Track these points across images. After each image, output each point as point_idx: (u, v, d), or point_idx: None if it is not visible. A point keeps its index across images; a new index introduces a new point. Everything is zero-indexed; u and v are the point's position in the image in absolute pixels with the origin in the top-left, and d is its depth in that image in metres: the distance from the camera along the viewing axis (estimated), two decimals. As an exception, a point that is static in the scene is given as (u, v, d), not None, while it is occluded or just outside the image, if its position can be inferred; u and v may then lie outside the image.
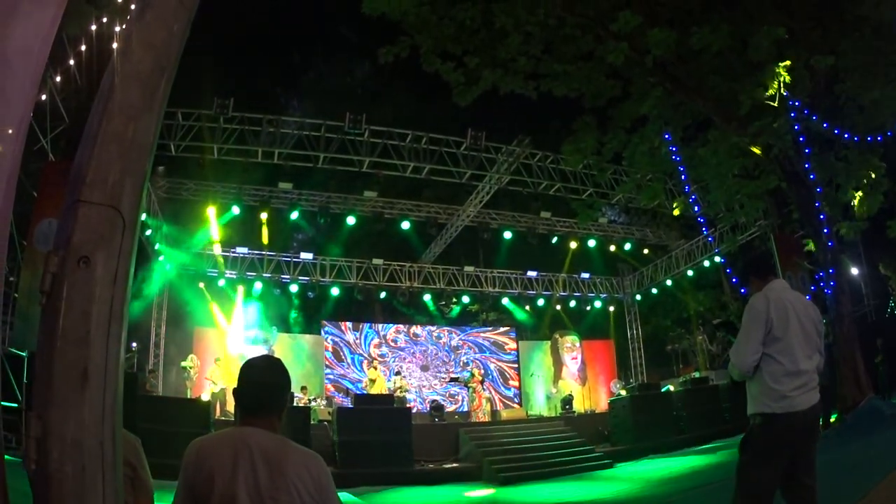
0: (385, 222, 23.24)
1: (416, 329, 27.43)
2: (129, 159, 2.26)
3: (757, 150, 16.51)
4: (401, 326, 27.35)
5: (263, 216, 21.39)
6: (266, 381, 2.86)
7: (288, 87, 38.24)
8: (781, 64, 14.81)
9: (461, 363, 26.94)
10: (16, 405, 9.72)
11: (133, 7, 2.55)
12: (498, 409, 24.55)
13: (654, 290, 28.48)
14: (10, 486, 2.17)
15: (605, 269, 29.31)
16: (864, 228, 17.16)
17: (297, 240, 26.06)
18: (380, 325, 27.03)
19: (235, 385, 2.85)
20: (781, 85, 15.00)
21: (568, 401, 23.98)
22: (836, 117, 16.27)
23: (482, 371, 25.13)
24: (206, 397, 18.80)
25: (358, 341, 25.96)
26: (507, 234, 24.63)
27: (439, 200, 24.74)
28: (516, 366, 27.89)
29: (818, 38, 15.68)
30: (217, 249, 22.83)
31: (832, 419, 14.10)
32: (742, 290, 20.28)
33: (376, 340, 26.32)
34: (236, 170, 19.74)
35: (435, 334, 27.47)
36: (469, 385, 22.73)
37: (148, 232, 19.11)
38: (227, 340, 23.31)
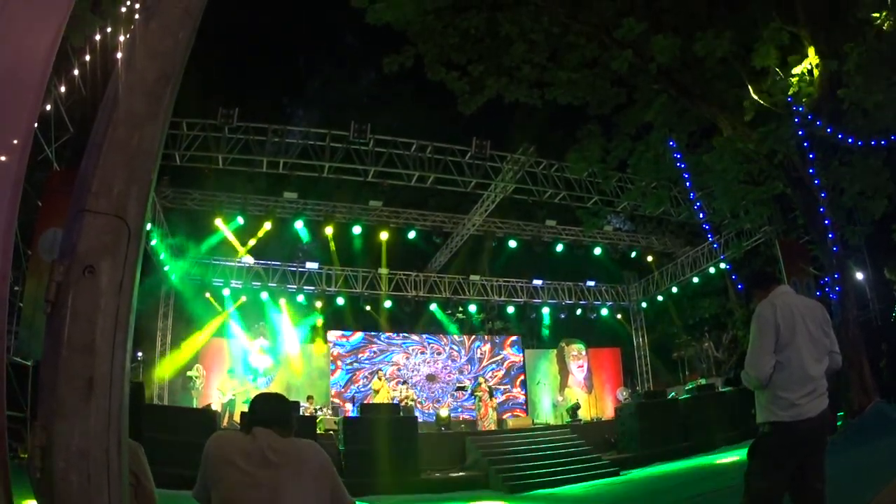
0: (391, 231, 23.27)
1: (423, 338, 27.38)
2: (134, 168, 2.26)
3: (761, 156, 16.51)
4: (407, 336, 27.30)
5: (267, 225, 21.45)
6: (281, 400, 3.27)
7: (293, 97, 38.39)
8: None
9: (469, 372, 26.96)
10: (21, 415, 9.73)
11: (138, 16, 2.56)
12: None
13: (660, 298, 28.47)
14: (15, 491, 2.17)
15: (611, 276, 29.32)
16: (868, 233, 17.11)
17: (302, 249, 26.08)
18: (385, 335, 26.98)
19: (248, 406, 3.23)
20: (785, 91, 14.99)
21: (574, 409, 23.95)
22: (840, 122, 16.25)
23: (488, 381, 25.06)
24: (215, 407, 18.83)
25: (362, 351, 25.96)
26: (513, 243, 24.64)
27: (445, 209, 24.76)
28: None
29: (822, 42, 15.66)
30: (249, 259, 22.97)
31: (838, 423, 14.05)
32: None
33: (382, 350, 26.29)
34: (241, 179, 19.75)
35: (441, 343, 27.43)
36: (476, 394, 22.69)
37: (153, 242, 19.12)
38: (234, 350, 23.32)
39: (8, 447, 2.18)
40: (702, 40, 14.56)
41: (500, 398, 26.42)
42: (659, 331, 31.22)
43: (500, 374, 27.64)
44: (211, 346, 22.96)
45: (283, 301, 24.16)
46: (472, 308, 28.16)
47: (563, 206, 22.53)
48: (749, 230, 21.97)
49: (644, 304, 29.41)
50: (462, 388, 25.25)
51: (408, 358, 26.55)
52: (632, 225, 29.63)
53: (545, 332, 29.53)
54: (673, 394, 22.98)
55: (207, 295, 22.84)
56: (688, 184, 19.59)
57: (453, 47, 16.39)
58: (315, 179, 19.85)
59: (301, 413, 18.52)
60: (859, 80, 15.11)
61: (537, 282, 27.92)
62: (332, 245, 23.87)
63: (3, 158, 2.29)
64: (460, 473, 17.25)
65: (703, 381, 23.99)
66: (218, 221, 21.08)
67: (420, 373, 26.39)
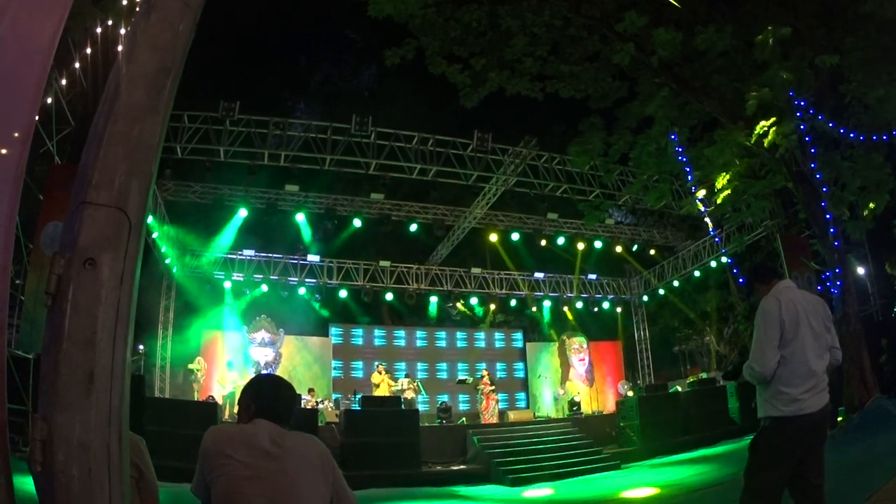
0: (392, 224, 23.27)
1: (424, 331, 27.38)
2: (135, 160, 2.26)
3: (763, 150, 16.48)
4: (408, 329, 27.29)
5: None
6: (292, 396, 3.24)
7: (294, 90, 38.32)
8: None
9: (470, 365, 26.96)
10: (23, 408, 9.74)
11: (138, 9, 2.56)
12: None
13: (662, 291, 28.45)
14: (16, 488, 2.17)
15: (613, 270, 29.31)
16: (870, 228, 17.10)
17: (303, 242, 26.07)
18: (387, 328, 26.98)
19: (253, 389, 3.16)
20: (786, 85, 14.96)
21: (575, 402, 23.95)
22: (842, 116, 16.23)
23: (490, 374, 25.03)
24: (219, 400, 18.84)
25: (364, 344, 25.97)
26: (515, 236, 24.64)
27: (446, 202, 24.70)
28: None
29: (823, 36, 15.63)
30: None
31: (839, 419, 14.06)
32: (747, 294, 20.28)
33: (383, 343, 26.30)
34: (242, 172, 19.71)
35: (442, 336, 27.43)
36: (478, 387, 22.70)
37: (155, 234, 19.11)
38: (235, 343, 23.32)
39: (9, 440, 2.18)
40: (703, 34, 14.54)
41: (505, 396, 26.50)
42: (660, 324, 31.26)
43: (508, 370, 27.68)
44: (212, 338, 22.97)
45: (284, 294, 24.13)
46: (474, 301, 28.10)
47: (564, 199, 22.48)
48: (750, 224, 21.93)
49: (645, 298, 29.40)
50: (463, 382, 25.25)
51: (409, 351, 26.54)
52: (633, 218, 29.64)
53: (546, 325, 29.54)
54: (675, 388, 22.98)
55: (209, 288, 22.85)
56: (689, 177, 19.57)
57: (455, 40, 16.38)
58: (316, 172, 19.82)
59: (303, 406, 18.54)
60: (861, 74, 15.10)
61: (539, 275, 27.92)
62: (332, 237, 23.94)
63: (4, 152, 2.29)
64: (461, 466, 17.28)
65: (704, 375, 24.01)
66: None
67: (421, 365, 26.36)
